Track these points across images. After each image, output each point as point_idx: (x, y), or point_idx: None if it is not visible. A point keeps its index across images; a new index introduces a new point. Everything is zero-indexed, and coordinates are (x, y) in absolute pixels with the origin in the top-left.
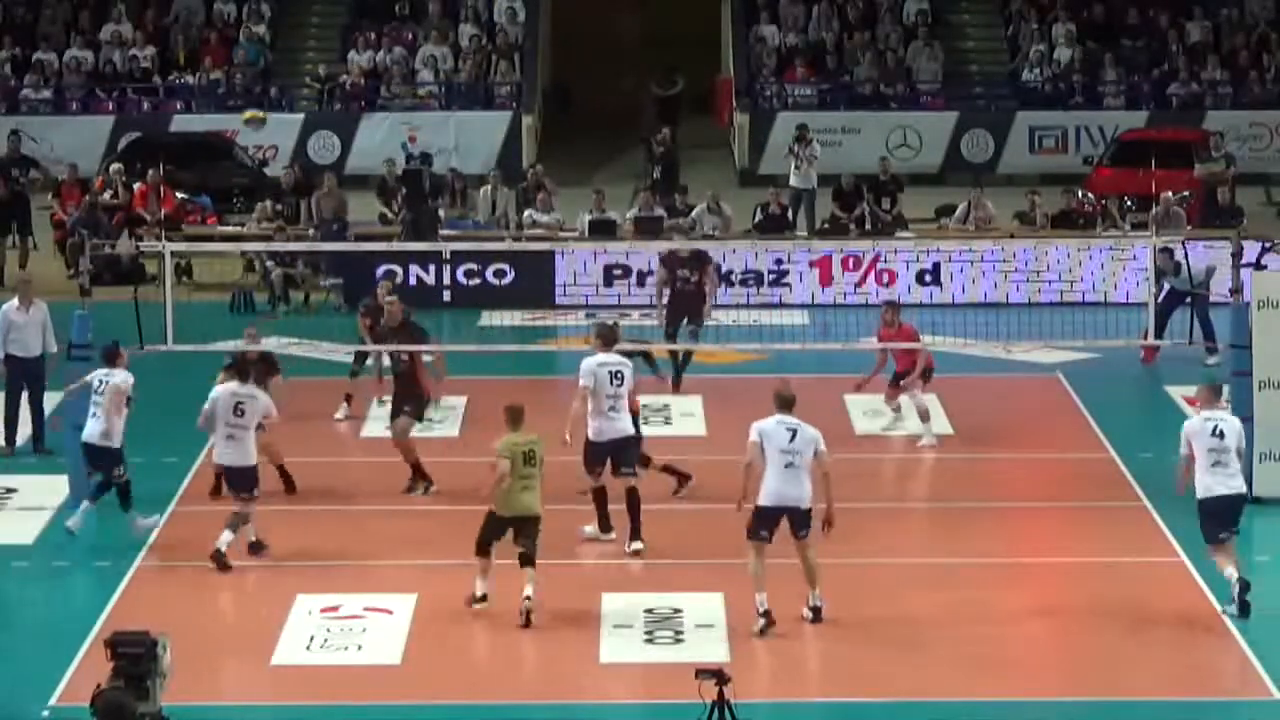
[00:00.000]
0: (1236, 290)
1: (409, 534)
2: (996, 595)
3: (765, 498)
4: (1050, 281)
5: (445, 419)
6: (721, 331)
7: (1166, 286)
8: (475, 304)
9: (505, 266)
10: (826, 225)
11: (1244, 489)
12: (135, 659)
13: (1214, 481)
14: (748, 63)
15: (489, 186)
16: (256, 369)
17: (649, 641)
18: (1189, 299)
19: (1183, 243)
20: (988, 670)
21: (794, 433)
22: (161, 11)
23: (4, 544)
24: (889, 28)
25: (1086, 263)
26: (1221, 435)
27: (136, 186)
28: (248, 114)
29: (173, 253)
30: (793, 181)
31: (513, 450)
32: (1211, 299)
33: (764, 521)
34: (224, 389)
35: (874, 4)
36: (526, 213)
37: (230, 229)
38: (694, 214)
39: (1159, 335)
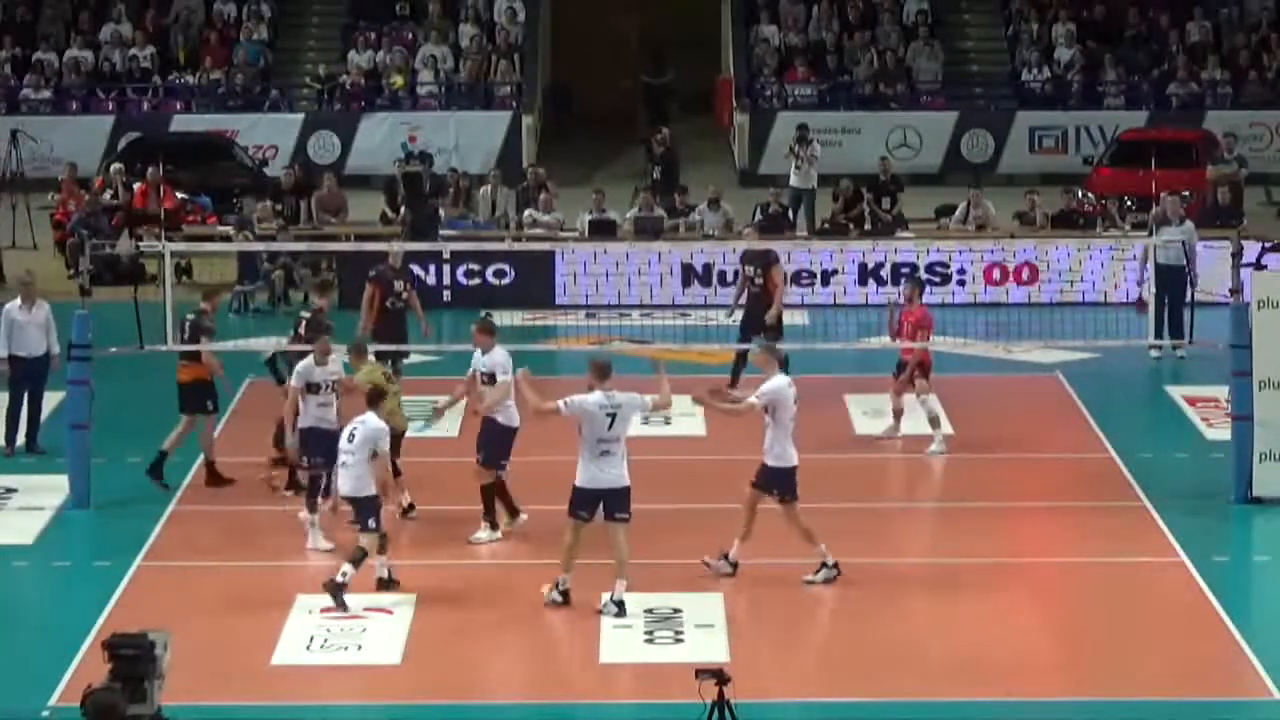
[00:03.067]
0: (1236, 290)
1: (409, 534)
2: (996, 595)
3: (582, 480)
4: (1050, 281)
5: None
6: (722, 331)
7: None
8: (475, 304)
9: (505, 266)
10: (826, 225)
11: None
12: (133, 661)
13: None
14: (748, 63)
15: (489, 186)
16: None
17: (649, 641)
18: (1171, 289)
19: (1183, 243)
20: (987, 670)
21: (612, 418)
22: (161, 11)
23: (4, 544)
24: (889, 28)
25: (1086, 263)
26: None
27: (136, 186)
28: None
29: (173, 253)
30: (793, 181)
31: (371, 374)
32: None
33: (583, 503)
34: None
35: (874, 4)
36: (526, 213)
37: (231, 229)
38: (696, 213)
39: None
